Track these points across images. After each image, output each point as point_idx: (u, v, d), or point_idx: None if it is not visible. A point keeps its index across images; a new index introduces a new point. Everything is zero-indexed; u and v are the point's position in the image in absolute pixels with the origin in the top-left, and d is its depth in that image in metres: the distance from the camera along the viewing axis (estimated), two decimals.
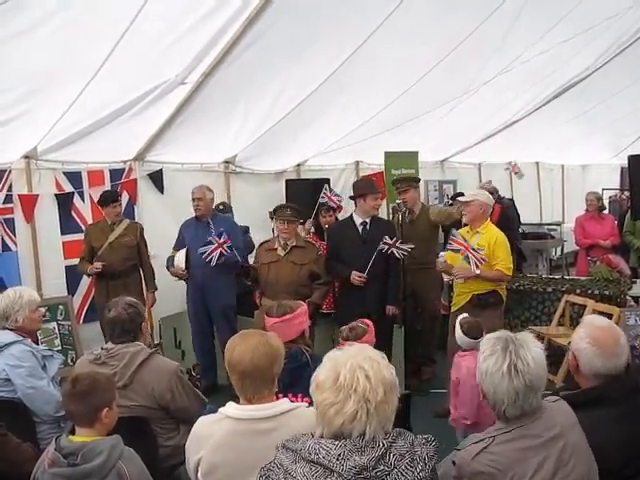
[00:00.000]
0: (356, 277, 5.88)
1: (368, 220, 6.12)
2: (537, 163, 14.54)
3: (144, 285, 6.95)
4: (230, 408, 2.70)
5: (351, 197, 6.51)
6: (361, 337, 4.10)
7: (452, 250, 5.64)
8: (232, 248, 6.28)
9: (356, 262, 5.94)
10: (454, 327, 5.89)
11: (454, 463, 2.41)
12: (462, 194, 9.20)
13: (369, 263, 5.84)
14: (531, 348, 2.46)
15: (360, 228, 6.12)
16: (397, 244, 5.90)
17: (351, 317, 4.52)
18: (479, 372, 2.49)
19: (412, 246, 5.98)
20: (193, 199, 6.67)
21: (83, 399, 2.90)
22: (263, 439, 2.60)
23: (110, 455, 2.79)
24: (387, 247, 5.87)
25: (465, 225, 5.94)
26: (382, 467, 2.04)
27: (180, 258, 6.57)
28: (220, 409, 2.72)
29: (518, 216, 11.30)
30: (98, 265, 6.57)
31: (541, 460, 2.32)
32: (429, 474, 2.08)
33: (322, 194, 7.63)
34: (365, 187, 6.24)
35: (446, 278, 6.32)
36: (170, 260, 6.66)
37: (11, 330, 4.19)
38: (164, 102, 6.61)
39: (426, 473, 2.07)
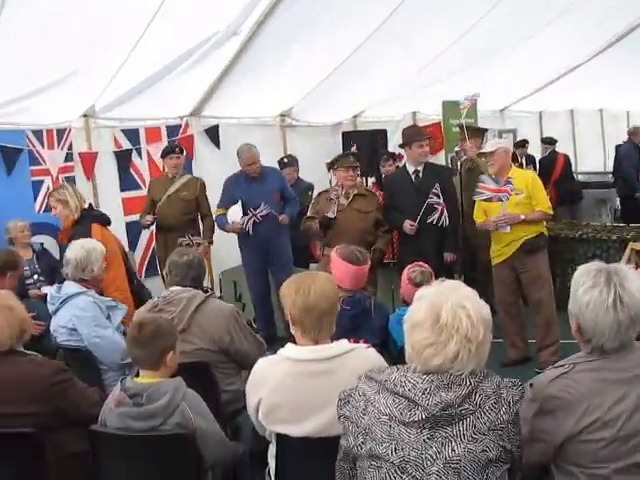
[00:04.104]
0: (408, 226, 5.84)
1: (420, 168, 6.01)
2: (600, 110, 14.03)
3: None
4: (289, 349, 2.70)
5: (400, 146, 6.39)
6: (430, 280, 3.98)
7: (484, 200, 5.53)
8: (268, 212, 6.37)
9: (411, 211, 5.86)
10: (500, 280, 5.82)
11: (531, 385, 2.33)
12: (526, 141, 9.05)
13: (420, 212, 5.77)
14: (633, 279, 2.30)
15: (413, 176, 6.03)
16: (443, 214, 5.80)
17: None
18: (577, 305, 2.30)
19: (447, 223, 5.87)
20: (248, 164, 6.46)
21: (148, 343, 2.95)
22: (322, 379, 2.61)
23: (174, 396, 2.85)
24: (434, 199, 5.77)
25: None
26: (467, 405, 2.02)
27: (235, 215, 6.47)
28: (279, 350, 2.73)
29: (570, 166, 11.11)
30: (149, 218, 6.67)
31: (621, 395, 2.20)
32: (512, 417, 2.05)
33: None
34: (409, 135, 6.12)
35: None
36: (222, 220, 6.56)
37: (78, 282, 4.29)
38: (217, 55, 6.60)
39: (509, 416, 2.04)
